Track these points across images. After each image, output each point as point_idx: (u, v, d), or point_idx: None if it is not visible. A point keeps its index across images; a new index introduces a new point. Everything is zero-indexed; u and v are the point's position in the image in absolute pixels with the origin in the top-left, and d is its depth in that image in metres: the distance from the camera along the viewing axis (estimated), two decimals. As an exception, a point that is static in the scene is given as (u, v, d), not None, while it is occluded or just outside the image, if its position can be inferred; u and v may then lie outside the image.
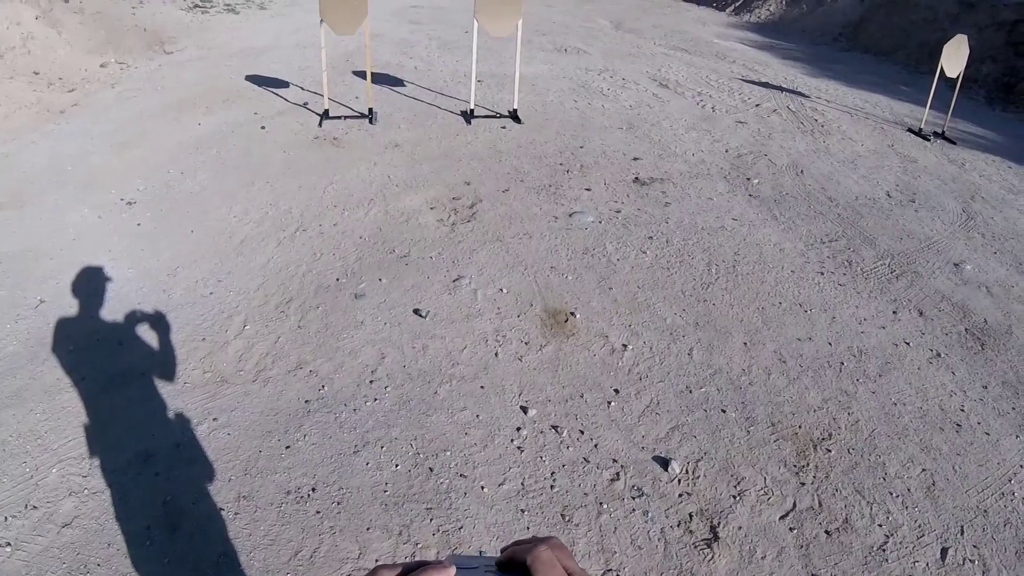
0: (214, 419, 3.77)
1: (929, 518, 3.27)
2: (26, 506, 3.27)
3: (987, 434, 3.70)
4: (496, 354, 4.27)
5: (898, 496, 3.37)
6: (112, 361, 4.10)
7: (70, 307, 4.54)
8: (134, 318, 4.46)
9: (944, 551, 3.11)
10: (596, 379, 4.06)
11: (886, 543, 3.15)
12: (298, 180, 6.29)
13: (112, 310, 4.54)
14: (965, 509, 3.31)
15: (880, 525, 3.23)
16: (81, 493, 3.36)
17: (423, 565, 0.67)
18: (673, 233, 5.51)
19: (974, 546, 3.14)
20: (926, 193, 6.18)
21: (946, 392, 3.97)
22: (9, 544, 3.11)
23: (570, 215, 5.80)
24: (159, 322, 4.43)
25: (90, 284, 4.75)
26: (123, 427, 3.70)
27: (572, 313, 4.59)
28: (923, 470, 3.50)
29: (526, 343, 4.35)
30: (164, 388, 3.95)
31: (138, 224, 5.50)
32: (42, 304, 4.53)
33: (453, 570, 0.67)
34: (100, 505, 3.31)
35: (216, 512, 3.30)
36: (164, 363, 4.11)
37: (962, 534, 3.19)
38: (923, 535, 3.19)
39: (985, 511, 3.30)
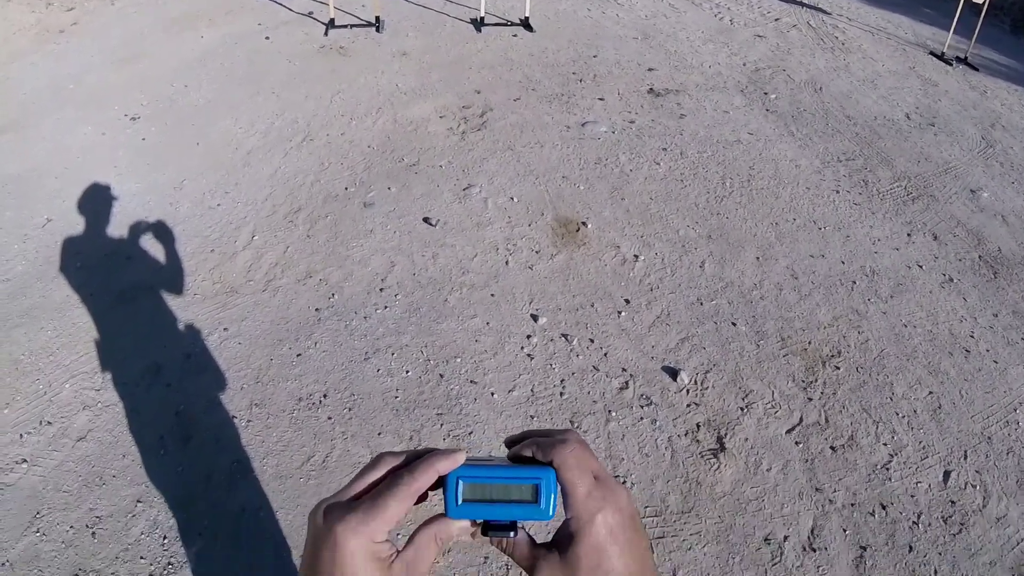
0: (224, 329, 3.77)
1: (933, 440, 3.28)
2: (41, 422, 3.30)
3: (995, 362, 3.69)
4: (507, 262, 4.22)
5: (904, 417, 3.38)
6: (121, 276, 4.08)
7: (77, 224, 4.49)
8: (141, 232, 4.42)
9: (947, 474, 3.14)
10: (607, 289, 4.02)
11: (890, 462, 3.18)
12: (304, 90, 6.12)
13: (119, 225, 4.49)
14: (969, 434, 3.32)
15: (885, 444, 3.25)
16: (94, 407, 3.38)
17: (431, 451, 0.64)
18: (688, 145, 5.39)
19: (976, 471, 3.16)
20: (946, 117, 6.04)
21: (957, 317, 3.95)
22: (25, 461, 3.15)
23: (583, 125, 5.66)
24: (167, 235, 4.39)
25: (96, 201, 4.69)
26: (134, 340, 3.70)
27: (584, 223, 4.51)
28: (930, 393, 3.50)
29: (537, 252, 4.29)
30: (173, 300, 3.95)
31: (143, 139, 5.39)
32: (49, 223, 4.49)
33: (463, 455, 0.64)
34: (114, 418, 3.34)
35: (228, 420, 3.33)
36: (173, 276, 4.10)
37: (965, 459, 3.21)
38: (927, 457, 3.21)
39: (989, 438, 3.31)
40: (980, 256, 4.41)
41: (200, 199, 4.73)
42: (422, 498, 0.64)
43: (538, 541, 0.67)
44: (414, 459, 0.65)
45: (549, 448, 0.65)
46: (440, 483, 0.64)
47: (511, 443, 0.72)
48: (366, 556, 0.61)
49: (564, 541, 0.64)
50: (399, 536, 0.66)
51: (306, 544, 0.65)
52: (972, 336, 3.83)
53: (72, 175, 4.92)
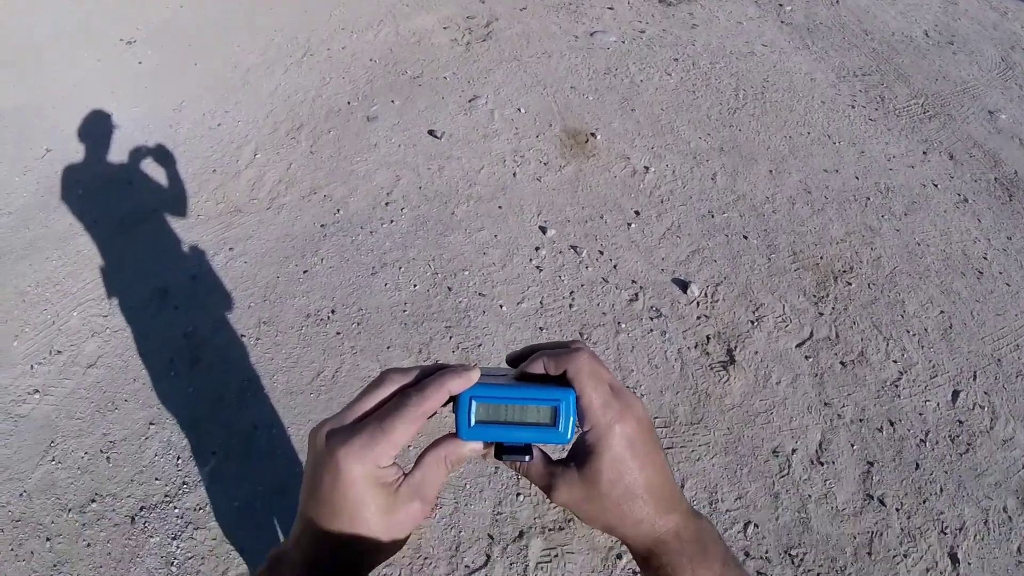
0: (230, 249, 3.75)
1: (943, 360, 3.25)
2: (50, 352, 3.31)
3: (1008, 285, 3.64)
4: (514, 174, 4.13)
5: (915, 335, 3.34)
6: (123, 201, 4.04)
7: (77, 153, 4.42)
8: (142, 157, 4.36)
9: (955, 394, 3.12)
10: (616, 200, 3.93)
11: (899, 379, 3.15)
12: (303, 4, 5.91)
13: (119, 151, 4.43)
14: (980, 355, 3.29)
15: (895, 361, 3.22)
16: (103, 333, 3.39)
17: (443, 368, 0.60)
18: (700, 56, 5.22)
19: (985, 393, 3.14)
20: (965, 37, 5.85)
21: (970, 238, 3.88)
22: (37, 391, 3.16)
23: (591, 34, 5.46)
24: (168, 158, 4.34)
25: (95, 128, 4.61)
26: (139, 265, 3.69)
27: (592, 133, 4.39)
28: (941, 312, 3.46)
29: (545, 163, 4.19)
30: (177, 223, 3.91)
31: (139, 63, 5.25)
32: (48, 153, 4.43)
33: (476, 373, 0.59)
34: (123, 343, 3.35)
35: (237, 339, 3.33)
36: (176, 198, 4.06)
37: (974, 379, 3.18)
38: (936, 376, 3.18)
39: (999, 360, 3.28)
40: (996, 178, 4.32)
41: (200, 120, 4.65)
42: (431, 417, 0.60)
43: (553, 458, 0.65)
44: (424, 377, 0.60)
45: (562, 359, 0.62)
46: (451, 401, 0.60)
47: (513, 360, 0.68)
48: (371, 482, 0.58)
49: (582, 456, 0.61)
50: (411, 449, 0.59)
51: (306, 467, 0.61)
52: (985, 258, 3.77)
53: (70, 104, 4.82)
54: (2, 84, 5.10)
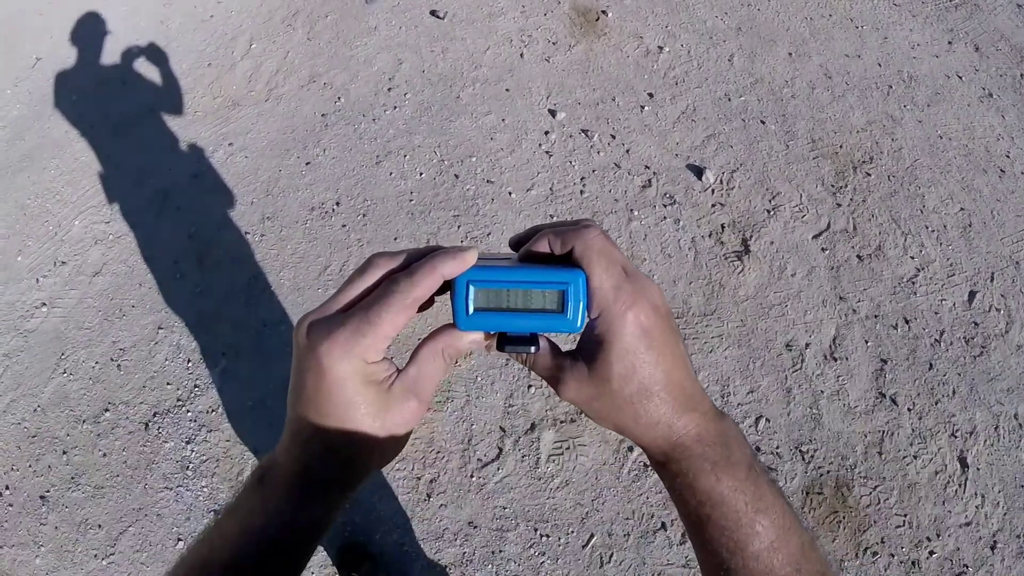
0: (229, 144, 3.65)
1: (961, 258, 3.17)
2: (55, 263, 3.29)
3: (1030, 186, 3.53)
4: (521, 55, 3.94)
5: (933, 231, 3.25)
6: (118, 103, 3.94)
7: (68, 58, 4.28)
8: (134, 56, 4.22)
9: (972, 294, 3.05)
10: (629, 82, 3.75)
11: (916, 276, 3.08)
12: None
13: (110, 52, 4.27)
14: (998, 256, 3.20)
15: (912, 257, 3.14)
16: (106, 240, 3.35)
17: (435, 250, 0.51)
18: (717, -70, 4.92)
19: (1001, 295, 3.07)
20: (995, -82, 5.57)
21: (994, 135, 3.73)
22: (44, 304, 3.15)
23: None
24: (160, 55, 4.20)
25: (84, 31, 4.43)
26: (138, 167, 3.61)
27: (604, 11, 4.16)
28: (961, 209, 3.36)
29: (553, 43, 3.99)
30: (174, 121, 3.82)
31: None
32: (39, 62, 4.29)
33: (473, 255, 0.50)
34: (127, 248, 3.31)
35: (241, 237, 3.27)
36: (171, 96, 3.96)
37: (992, 281, 3.11)
38: (953, 275, 3.11)
39: (1017, 262, 3.19)
40: (1022, 74, 4.14)
41: (191, 12, 4.44)
42: (425, 305, 0.52)
43: (562, 349, 0.57)
44: (414, 260, 0.52)
45: (569, 237, 0.53)
46: (447, 288, 0.52)
47: (516, 243, 0.59)
48: (359, 380, 0.51)
49: (591, 347, 0.53)
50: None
51: (292, 368, 0.54)
52: (1008, 156, 3.64)
53: (56, 9, 4.58)
54: None
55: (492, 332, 0.55)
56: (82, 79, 4.14)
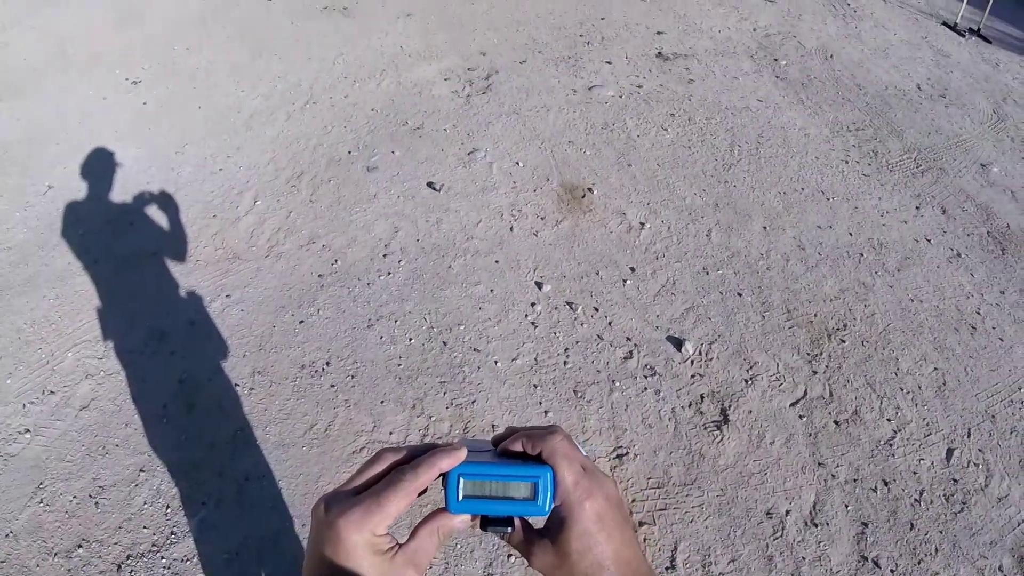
0: (227, 296, 3.76)
1: (937, 417, 3.26)
2: (43, 391, 3.30)
3: (1001, 340, 3.66)
4: (511, 228, 4.18)
5: (909, 393, 3.36)
6: (123, 242, 4.06)
7: (79, 191, 4.46)
8: (143, 198, 4.39)
9: (950, 452, 3.12)
10: (612, 256, 3.98)
11: (894, 438, 3.16)
12: (307, 52, 6.03)
13: (121, 191, 4.46)
14: (974, 412, 3.30)
15: (889, 420, 3.24)
16: (97, 375, 3.38)
17: (433, 448, 0.66)
18: (696, 111, 5.31)
19: (979, 450, 3.14)
20: (957, 90, 5.95)
21: (964, 293, 3.91)
22: (28, 430, 3.14)
23: (590, 88, 5.57)
24: (168, 201, 4.37)
25: (98, 167, 4.65)
26: (137, 307, 3.69)
27: (589, 189, 4.46)
28: (935, 369, 3.48)
29: (542, 218, 4.25)
30: (176, 267, 3.93)
31: (144, 103, 5.33)
32: (50, 190, 4.46)
33: (464, 452, 0.65)
34: (117, 386, 3.33)
35: (231, 388, 3.32)
36: (175, 242, 4.08)
37: (968, 437, 3.19)
38: (930, 434, 3.19)
39: (993, 416, 3.29)
40: (988, 232, 4.36)
41: (202, 163, 4.69)
42: (423, 492, 0.65)
43: (533, 527, 0.70)
44: (416, 456, 0.66)
45: (539, 440, 0.68)
46: (441, 476, 0.65)
47: (496, 441, 0.73)
48: (368, 549, 0.62)
49: (555, 528, 0.66)
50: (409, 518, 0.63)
51: (309, 537, 0.66)
52: (978, 313, 3.80)
53: (73, 141, 4.87)
54: (6, 117, 5.17)
55: (477, 515, 0.68)
56: (91, 213, 4.30)
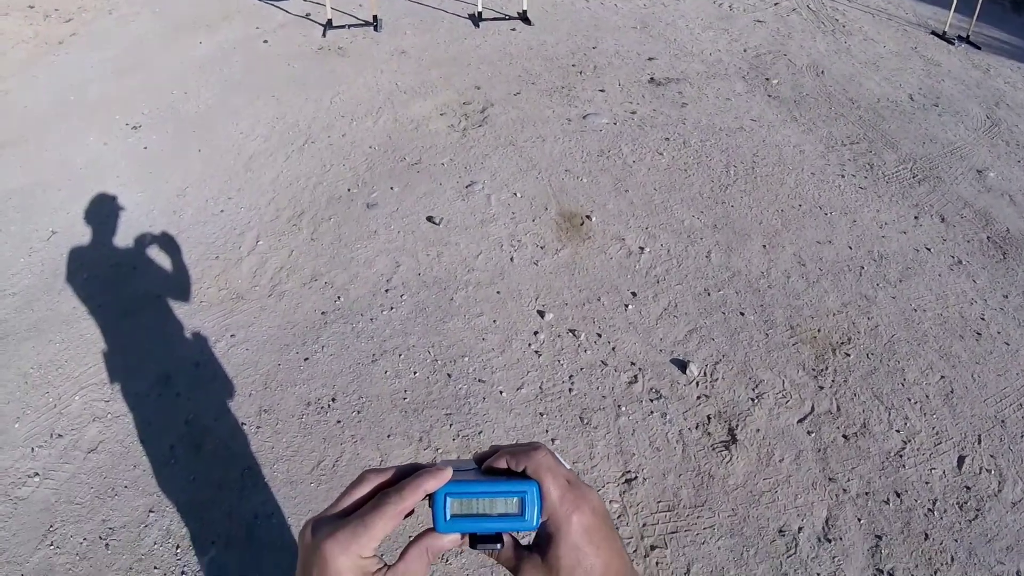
0: (232, 336, 3.78)
1: (947, 425, 3.25)
2: (51, 435, 3.31)
3: (1007, 344, 3.66)
4: (512, 259, 4.21)
5: (916, 402, 3.35)
6: (127, 286, 4.09)
7: (82, 236, 4.50)
8: (146, 241, 4.43)
9: (961, 459, 3.11)
10: (613, 282, 4.00)
11: (903, 449, 3.15)
12: (304, 93, 6.11)
13: (124, 235, 4.50)
14: (983, 418, 3.29)
15: (898, 431, 3.23)
16: (105, 418, 3.39)
17: (418, 468, 0.66)
18: (690, 134, 5.36)
19: (991, 456, 3.13)
20: (950, 98, 5.99)
21: (967, 300, 3.91)
22: (37, 474, 3.15)
23: (584, 117, 5.63)
24: (171, 244, 4.40)
25: (101, 211, 4.70)
26: (142, 350, 3.71)
27: (588, 216, 4.49)
28: (942, 377, 3.47)
29: (542, 247, 4.28)
30: (180, 309, 3.96)
31: (145, 148, 5.40)
32: (54, 235, 4.49)
33: (449, 472, 0.65)
34: (124, 428, 3.34)
35: (238, 427, 3.34)
36: (179, 284, 4.12)
37: (979, 443, 3.18)
38: (940, 442, 3.18)
39: (1003, 421, 3.28)
40: (988, 237, 4.37)
41: (203, 206, 4.73)
42: (409, 514, 0.65)
43: (520, 542, 0.69)
44: (401, 477, 0.66)
45: (523, 457, 0.67)
46: (428, 497, 0.65)
47: (480, 460, 0.73)
48: (355, 572, 0.62)
49: (544, 543, 0.66)
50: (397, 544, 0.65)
51: (298, 562, 0.67)
52: (983, 318, 3.80)
53: (76, 187, 4.92)
54: (9, 164, 5.22)
55: (466, 533, 0.67)
56: (95, 258, 4.32)
